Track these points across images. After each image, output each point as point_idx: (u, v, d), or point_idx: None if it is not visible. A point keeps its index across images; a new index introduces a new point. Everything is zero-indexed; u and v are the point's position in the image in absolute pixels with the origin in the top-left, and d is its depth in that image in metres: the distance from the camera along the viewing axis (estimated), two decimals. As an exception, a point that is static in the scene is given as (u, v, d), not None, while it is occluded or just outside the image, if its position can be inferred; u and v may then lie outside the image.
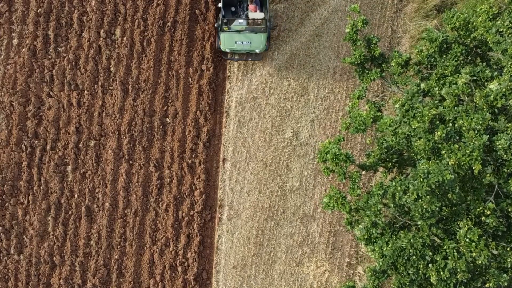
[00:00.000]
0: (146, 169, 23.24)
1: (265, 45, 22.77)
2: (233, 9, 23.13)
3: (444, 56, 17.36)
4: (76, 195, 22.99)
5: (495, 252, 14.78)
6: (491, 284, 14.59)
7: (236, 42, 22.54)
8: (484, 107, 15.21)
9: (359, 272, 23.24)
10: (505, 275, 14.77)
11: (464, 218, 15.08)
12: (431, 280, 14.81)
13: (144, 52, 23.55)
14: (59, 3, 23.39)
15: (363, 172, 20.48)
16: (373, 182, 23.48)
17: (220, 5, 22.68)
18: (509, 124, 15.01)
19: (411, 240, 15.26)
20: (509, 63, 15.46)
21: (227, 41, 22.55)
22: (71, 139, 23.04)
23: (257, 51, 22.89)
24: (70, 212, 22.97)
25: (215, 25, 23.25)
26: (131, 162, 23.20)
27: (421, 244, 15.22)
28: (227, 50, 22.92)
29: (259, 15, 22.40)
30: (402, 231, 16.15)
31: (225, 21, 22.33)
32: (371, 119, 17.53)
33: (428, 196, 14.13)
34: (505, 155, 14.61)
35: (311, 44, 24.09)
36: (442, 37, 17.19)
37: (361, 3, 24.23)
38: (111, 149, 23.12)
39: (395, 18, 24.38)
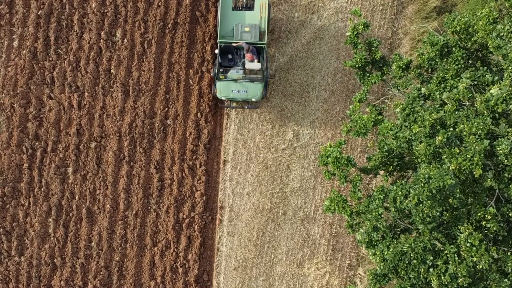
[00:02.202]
0: (146, 171, 23.27)
1: (261, 94, 22.62)
2: (230, 56, 22.90)
3: (445, 59, 17.39)
4: (77, 197, 23.02)
5: (496, 256, 14.85)
6: (492, 289, 14.68)
7: (232, 91, 22.40)
8: (485, 112, 15.26)
9: (359, 274, 23.31)
10: (506, 280, 14.83)
11: (465, 222, 15.13)
12: (432, 284, 14.87)
13: (145, 53, 23.55)
14: (59, 4, 23.38)
15: (363, 175, 20.52)
16: (373, 184, 23.53)
17: (216, 51, 22.46)
18: (510, 129, 15.06)
19: (412, 244, 15.32)
20: (510, 68, 15.49)
21: (224, 90, 22.42)
22: (72, 141, 23.06)
23: (253, 99, 22.72)
24: (71, 214, 23.00)
25: (212, 73, 23.08)
26: (131, 163, 23.22)
27: (422, 248, 15.27)
28: (224, 98, 22.80)
29: (256, 65, 22.28)
30: (403, 235, 16.22)
31: (221, 70, 22.19)
32: (372, 123, 17.59)
33: (429, 201, 14.19)
34: (505, 160, 14.67)
35: (311, 45, 24.10)
36: (443, 40, 17.22)
37: (361, 4, 24.23)
38: (112, 151, 23.14)
39: (396, 20, 24.40)
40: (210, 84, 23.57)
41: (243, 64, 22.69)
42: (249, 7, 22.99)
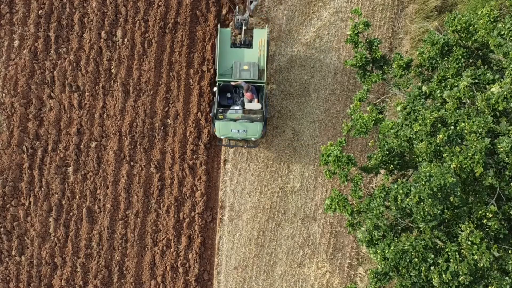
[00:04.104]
0: (147, 171, 23.27)
1: (261, 133, 22.32)
2: (228, 95, 22.57)
3: (446, 58, 17.42)
4: (77, 197, 23.02)
5: (496, 254, 14.84)
6: (493, 287, 14.65)
7: (231, 130, 22.06)
8: (486, 110, 15.29)
9: (360, 273, 23.30)
10: (507, 278, 14.83)
11: (466, 221, 15.14)
12: (433, 282, 14.85)
13: (145, 53, 23.56)
14: (60, 4, 23.40)
15: (364, 174, 20.57)
16: (373, 183, 23.54)
17: (215, 89, 22.14)
18: (511, 127, 15.08)
19: (413, 243, 15.32)
20: (510, 66, 15.52)
21: (223, 129, 22.11)
22: (72, 141, 23.06)
23: (253, 139, 22.48)
24: (71, 214, 22.99)
25: (210, 113, 22.82)
26: (132, 163, 23.22)
27: (423, 246, 15.28)
28: (222, 137, 22.61)
29: (256, 106, 21.97)
30: (404, 234, 16.23)
31: (220, 110, 21.86)
32: (373, 122, 17.58)
33: (430, 199, 14.19)
34: (506, 158, 14.69)
35: (311, 45, 24.12)
36: (444, 39, 17.26)
37: (362, 4, 24.25)
38: (112, 151, 23.14)
39: (396, 19, 24.42)
40: (211, 83, 23.58)
41: (242, 103, 22.36)
42: (248, 44, 22.72)
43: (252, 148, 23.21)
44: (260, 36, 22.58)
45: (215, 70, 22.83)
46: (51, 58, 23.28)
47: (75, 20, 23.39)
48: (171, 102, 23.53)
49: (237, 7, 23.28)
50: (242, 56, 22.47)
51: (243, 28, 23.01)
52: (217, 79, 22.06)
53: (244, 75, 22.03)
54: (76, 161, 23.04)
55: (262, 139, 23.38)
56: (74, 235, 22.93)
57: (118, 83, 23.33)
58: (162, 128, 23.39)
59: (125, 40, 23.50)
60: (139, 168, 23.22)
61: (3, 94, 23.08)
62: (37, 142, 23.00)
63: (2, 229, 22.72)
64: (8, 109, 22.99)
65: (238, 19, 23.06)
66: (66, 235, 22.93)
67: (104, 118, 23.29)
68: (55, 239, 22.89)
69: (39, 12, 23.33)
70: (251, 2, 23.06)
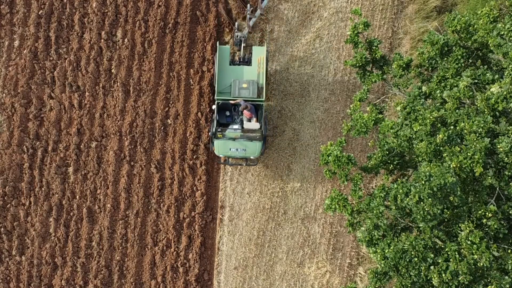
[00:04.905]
0: (147, 170, 23.29)
1: (260, 152, 22.27)
2: (227, 113, 22.53)
3: (445, 58, 17.45)
4: (77, 196, 23.04)
5: (496, 254, 14.87)
6: (493, 286, 14.68)
7: (230, 149, 22.02)
8: (486, 110, 15.31)
9: (360, 273, 23.33)
10: (506, 277, 14.86)
11: (465, 220, 15.17)
12: (433, 282, 14.89)
13: (145, 53, 23.59)
14: (60, 4, 23.43)
15: (364, 174, 20.59)
16: (373, 183, 23.57)
17: (214, 107, 22.06)
18: (510, 127, 15.11)
19: (413, 242, 15.34)
20: (510, 66, 15.54)
21: (222, 148, 22.06)
22: (73, 141, 23.08)
23: (252, 157, 22.41)
24: (71, 213, 23.02)
25: (209, 132, 22.78)
26: (132, 163, 23.24)
27: (423, 246, 15.31)
28: (221, 156, 22.58)
29: (255, 125, 21.91)
30: (404, 233, 16.25)
31: (219, 129, 21.81)
32: (373, 122, 17.61)
33: (430, 199, 14.22)
34: (506, 158, 14.72)
35: (311, 45, 24.15)
36: (443, 40, 17.29)
37: (362, 4, 24.28)
38: (113, 151, 23.16)
39: (396, 19, 24.45)
40: (211, 83, 23.62)
41: (241, 121, 22.31)
42: (247, 61, 22.62)
43: (251, 166, 23.17)
44: (259, 53, 22.43)
45: (214, 87, 22.73)
46: (51, 58, 23.31)
47: (75, 20, 23.42)
48: (171, 102, 23.56)
49: (236, 24, 23.26)
50: (241, 74, 22.31)
51: (242, 45, 22.95)
52: (216, 97, 21.95)
53: (243, 94, 21.91)
54: (76, 161, 23.07)
55: (262, 156, 23.33)
56: (74, 235, 22.96)
57: (118, 83, 23.36)
58: (162, 128, 23.42)
59: (125, 40, 23.53)
60: (139, 168, 23.25)
61: (4, 94, 23.11)
62: (38, 142, 23.03)
63: (2, 229, 22.74)
64: (8, 109, 23.02)
65: (237, 36, 23.01)
66: (67, 235, 22.95)
67: (104, 118, 23.31)
68: (56, 239, 22.91)
69: (40, 12, 23.36)
70: (250, 19, 23.07)
